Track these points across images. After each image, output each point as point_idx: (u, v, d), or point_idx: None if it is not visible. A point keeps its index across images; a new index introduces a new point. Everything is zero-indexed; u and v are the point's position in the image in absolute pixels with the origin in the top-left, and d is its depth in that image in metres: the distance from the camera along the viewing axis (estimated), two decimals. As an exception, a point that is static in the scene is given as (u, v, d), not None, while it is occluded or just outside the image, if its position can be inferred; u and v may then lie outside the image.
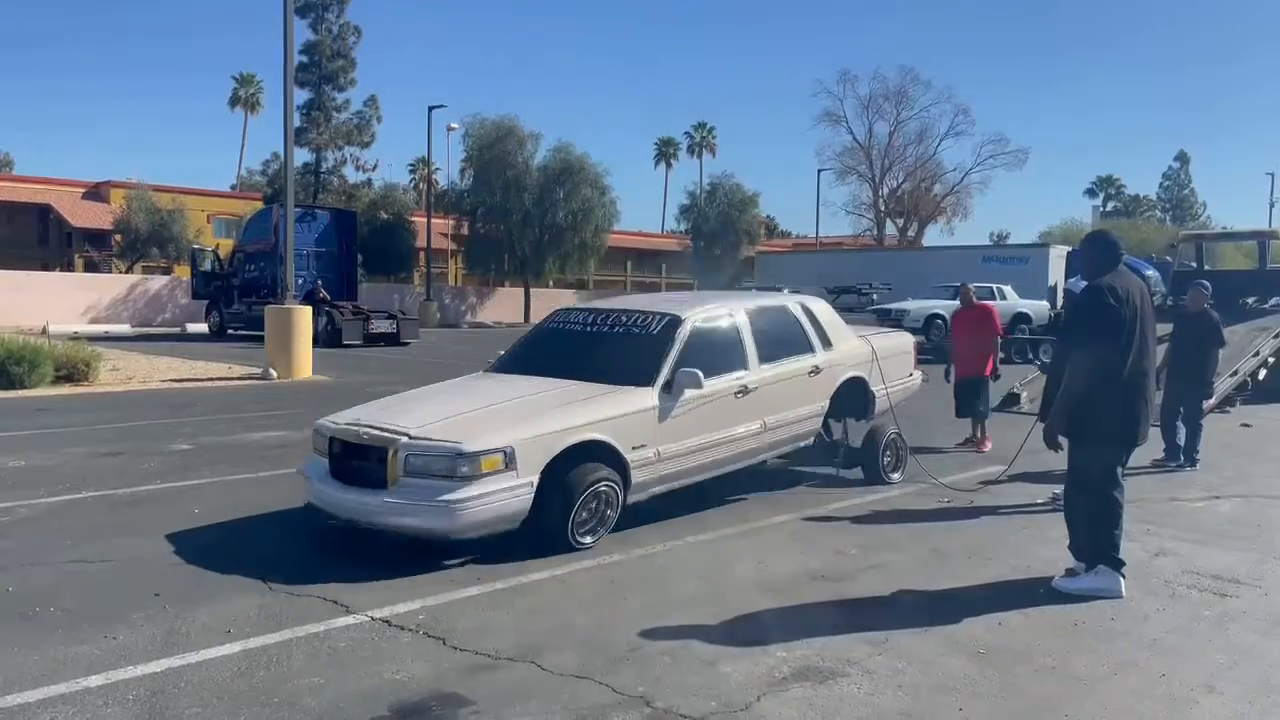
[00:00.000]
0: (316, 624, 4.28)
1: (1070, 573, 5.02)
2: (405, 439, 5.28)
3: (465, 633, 4.20)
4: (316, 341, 17.19)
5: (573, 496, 5.43)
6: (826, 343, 7.42)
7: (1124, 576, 4.86)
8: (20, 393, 12.78)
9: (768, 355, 6.82)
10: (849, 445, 7.71)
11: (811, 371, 7.18)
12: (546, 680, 3.72)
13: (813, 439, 7.38)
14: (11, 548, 5.50)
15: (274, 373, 15.51)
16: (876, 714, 3.49)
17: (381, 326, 25.23)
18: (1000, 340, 10.08)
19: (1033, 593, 4.90)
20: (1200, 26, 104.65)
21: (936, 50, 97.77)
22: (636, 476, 5.80)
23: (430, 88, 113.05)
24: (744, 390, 6.51)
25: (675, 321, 6.38)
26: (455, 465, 5.13)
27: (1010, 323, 24.03)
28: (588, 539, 5.56)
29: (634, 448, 5.76)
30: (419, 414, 5.67)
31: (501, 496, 5.19)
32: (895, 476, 7.62)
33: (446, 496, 5.09)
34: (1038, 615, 4.57)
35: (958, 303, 10.33)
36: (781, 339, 7.08)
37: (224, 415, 11.18)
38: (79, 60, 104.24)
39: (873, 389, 7.77)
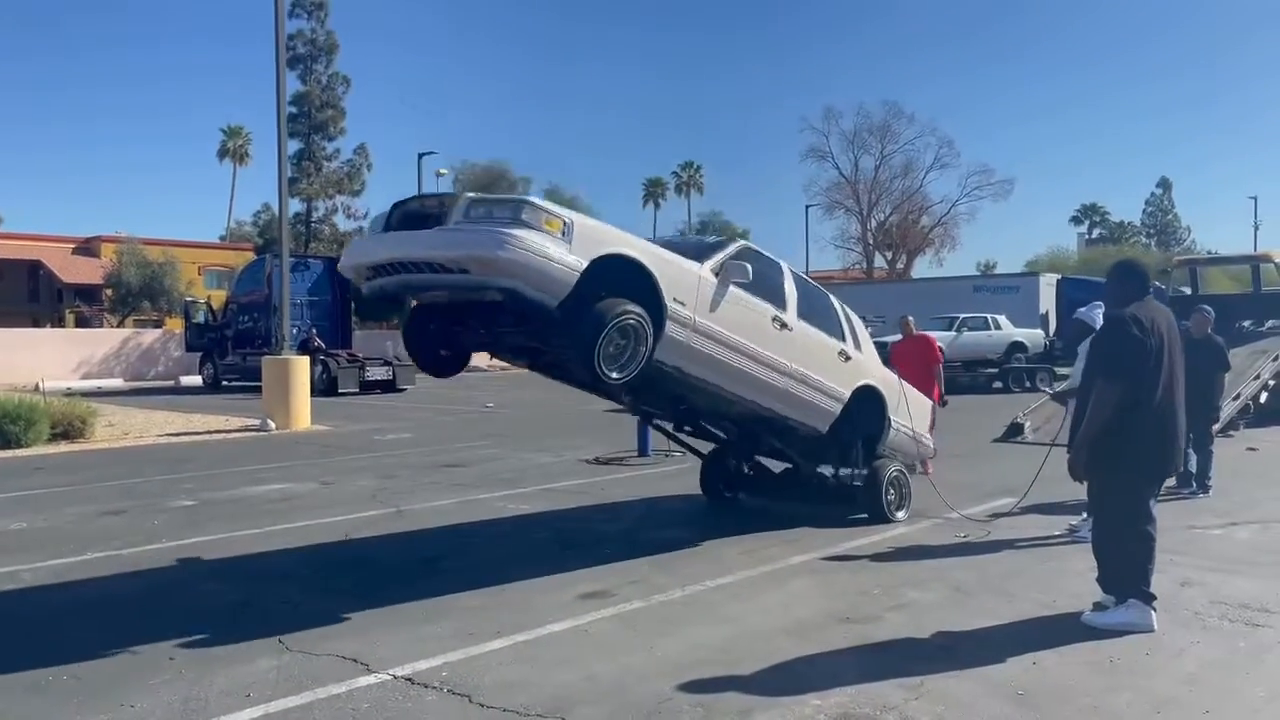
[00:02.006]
0: (338, 684, 4.17)
1: (1099, 607, 4.95)
2: (471, 195, 5.57)
3: (490, 689, 4.10)
4: (312, 390, 17.08)
5: (603, 320, 5.38)
6: (856, 343, 7.61)
7: (1155, 610, 4.79)
8: (16, 452, 12.66)
9: (805, 314, 7.08)
10: (852, 484, 7.58)
11: (840, 354, 7.32)
12: (579, 737, 3.62)
13: (825, 429, 7.21)
14: (18, 615, 5.39)
15: (272, 424, 15.41)
16: (920, 762, 3.40)
17: (377, 374, 25.16)
18: (941, 366, 10.41)
19: (1063, 629, 4.82)
20: (1180, 54, 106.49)
21: (919, 84, 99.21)
22: (670, 329, 5.84)
23: (419, 133, 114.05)
24: (781, 324, 6.77)
25: (733, 240, 6.97)
26: (519, 210, 5.33)
27: (1006, 351, 24.18)
28: (615, 374, 5.56)
29: (675, 299, 5.88)
30: None
31: (551, 255, 5.23)
32: (900, 515, 7.53)
33: (501, 228, 5.21)
34: (1071, 653, 4.49)
35: (900, 335, 10.73)
36: (819, 312, 7.36)
37: (224, 469, 11.07)
38: (67, 115, 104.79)
39: (891, 416, 7.77)
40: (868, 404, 7.56)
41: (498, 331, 6.32)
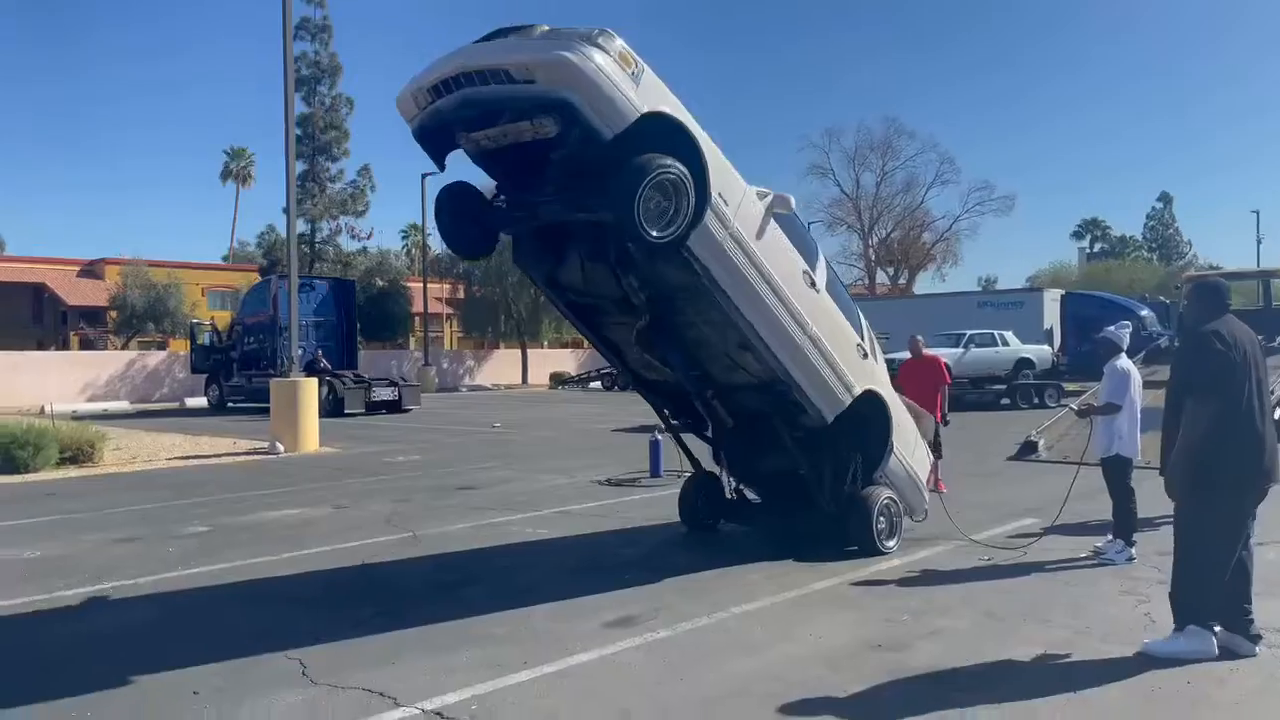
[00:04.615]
0: (366, 719, 4.11)
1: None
2: (547, 27, 5.63)
3: (522, 724, 4.03)
4: (319, 412, 17.03)
5: (647, 166, 5.44)
6: (873, 352, 7.43)
7: (1216, 635, 4.68)
8: (26, 477, 12.58)
9: (832, 293, 7.03)
10: (841, 508, 7.17)
11: (858, 347, 7.15)
12: (618, 774, 3.55)
13: (831, 418, 6.84)
14: (37, 646, 5.32)
15: (281, 447, 15.34)
16: (969, 799, 3.33)
17: (383, 394, 25.09)
18: (948, 387, 10.52)
19: (1101, 656, 4.74)
20: (1179, 66, 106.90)
21: (919, 101, 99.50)
22: (709, 221, 5.89)
23: (420, 153, 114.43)
24: (811, 281, 6.76)
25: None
26: (595, 35, 5.45)
27: (1014, 368, 24.09)
28: (654, 230, 5.56)
29: (719, 193, 5.96)
30: None
31: (617, 82, 5.38)
32: (890, 544, 7.11)
33: (578, 42, 5.37)
34: (1112, 683, 4.40)
35: (908, 353, 10.72)
36: (844, 300, 7.32)
37: (237, 493, 11.00)
38: (69, 139, 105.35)
39: (895, 441, 7.42)
40: (874, 418, 7.22)
41: (535, 202, 6.24)
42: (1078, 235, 79.73)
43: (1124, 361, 6.97)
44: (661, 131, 5.58)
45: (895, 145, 55.31)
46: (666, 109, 5.64)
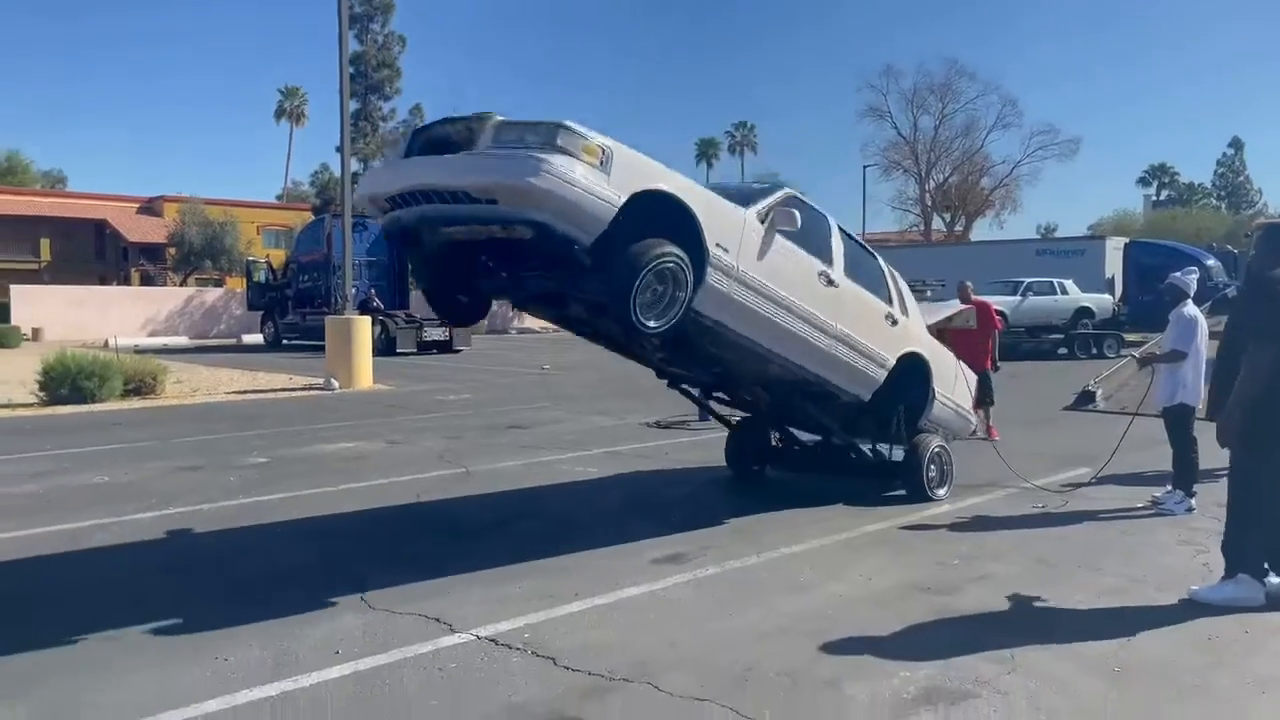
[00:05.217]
0: (423, 644, 4.21)
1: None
2: (501, 118, 5.10)
3: (573, 652, 4.11)
4: (372, 350, 17.30)
5: (640, 262, 4.99)
6: (903, 308, 7.26)
7: (1266, 585, 4.62)
8: (92, 407, 13.02)
9: (852, 272, 6.71)
10: (890, 459, 7.21)
11: (887, 317, 6.98)
12: (668, 703, 3.61)
13: (868, 396, 6.83)
14: (110, 569, 5.53)
15: (336, 383, 15.64)
16: (1018, 738, 3.34)
17: (434, 334, 25.38)
18: (999, 333, 10.61)
19: (1153, 604, 4.70)
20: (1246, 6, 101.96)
21: (982, 40, 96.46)
22: (711, 277, 5.48)
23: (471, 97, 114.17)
24: (828, 280, 6.40)
25: (779, 186, 6.48)
26: (554, 134, 4.90)
27: (1073, 317, 23.60)
28: (651, 322, 5.19)
29: (717, 244, 5.51)
30: None
31: (587, 187, 4.84)
32: (941, 492, 7.07)
33: (537, 153, 4.80)
34: (1166, 629, 4.37)
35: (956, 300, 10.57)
36: (866, 272, 7.00)
37: (294, 427, 11.27)
38: (127, 77, 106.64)
39: (935, 386, 7.40)
40: (912, 373, 7.16)
41: (522, 275, 5.83)
42: (1144, 182, 77.29)
43: (1191, 308, 6.78)
44: (647, 211, 5.07)
45: (955, 87, 53.86)
46: (649, 185, 5.12)
